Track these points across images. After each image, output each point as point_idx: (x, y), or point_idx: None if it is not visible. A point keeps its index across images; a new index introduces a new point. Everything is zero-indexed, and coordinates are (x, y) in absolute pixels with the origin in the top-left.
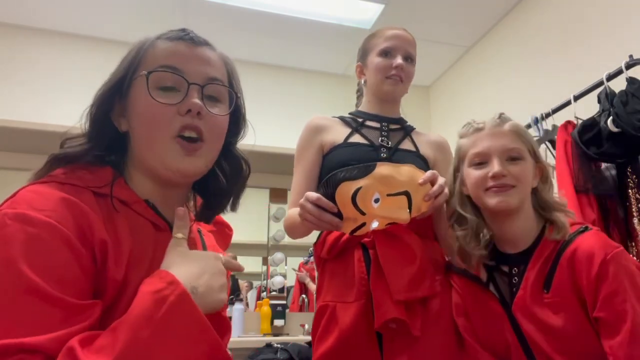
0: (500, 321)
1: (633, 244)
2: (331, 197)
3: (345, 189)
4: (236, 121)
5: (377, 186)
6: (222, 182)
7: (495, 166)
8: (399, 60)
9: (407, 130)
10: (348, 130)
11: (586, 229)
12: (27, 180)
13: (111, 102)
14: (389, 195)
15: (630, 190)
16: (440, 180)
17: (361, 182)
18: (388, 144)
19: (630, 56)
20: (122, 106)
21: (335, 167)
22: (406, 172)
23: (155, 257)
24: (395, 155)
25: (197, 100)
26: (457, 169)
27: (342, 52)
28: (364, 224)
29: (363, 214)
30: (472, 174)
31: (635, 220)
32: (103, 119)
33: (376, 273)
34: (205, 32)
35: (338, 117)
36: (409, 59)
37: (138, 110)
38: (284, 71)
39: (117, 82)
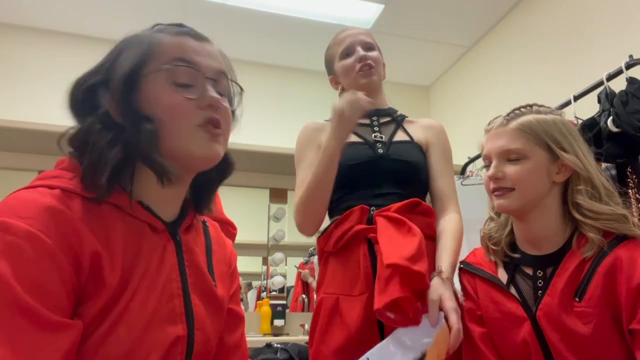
0: (520, 326)
1: None
2: None
3: None
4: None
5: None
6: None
7: (490, 168)
8: (360, 52)
9: (398, 121)
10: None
11: (625, 237)
12: (27, 180)
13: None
14: None
15: (630, 190)
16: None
17: None
18: (382, 138)
19: (630, 56)
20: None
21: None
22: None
23: (151, 259)
24: (392, 148)
25: (216, 95)
26: None
27: None
28: None
29: None
30: (483, 176)
31: (636, 221)
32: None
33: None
34: (205, 32)
35: (330, 121)
36: (368, 47)
37: (160, 104)
38: (284, 71)
39: (125, 77)
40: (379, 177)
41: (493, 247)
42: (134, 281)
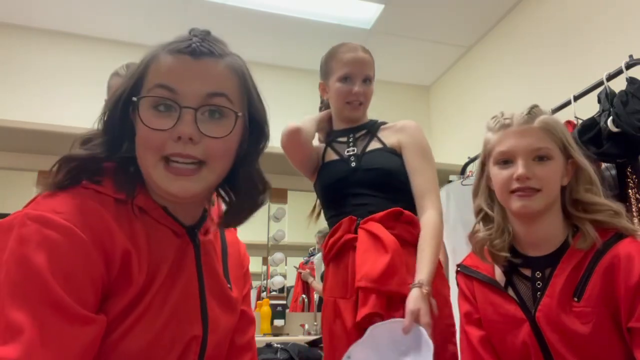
0: (520, 327)
1: None
2: None
3: None
4: (255, 130)
5: None
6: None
7: (519, 168)
8: (356, 87)
9: (372, 132)
10: (323, 145)
11: (621, 236)
12: (27, 180)
13: (125, 110)
14: None
15: (630, 190)
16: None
17: None
18: (354, 151)
19: (630, 56)
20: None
21: (321, 191)
22: None
23: (173, 260)
24: (364, 159)
25: (187, 128)
26: (483, 164)
27: None
28: None
29: None
30: (497, 174)
31: (635, 221)
32: (115, 127)
33: None
34: None
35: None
36: (368, 80)
37: (137, 132)
38: (284, 71)
39: (125, 93)
40: (356, 188)
41: (496, 253)
42: (158, 280)
